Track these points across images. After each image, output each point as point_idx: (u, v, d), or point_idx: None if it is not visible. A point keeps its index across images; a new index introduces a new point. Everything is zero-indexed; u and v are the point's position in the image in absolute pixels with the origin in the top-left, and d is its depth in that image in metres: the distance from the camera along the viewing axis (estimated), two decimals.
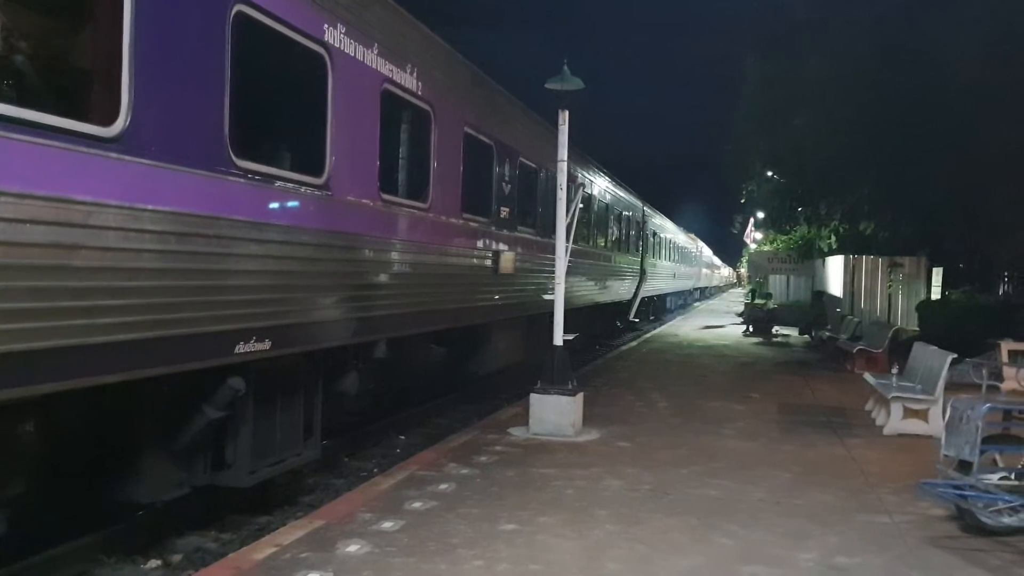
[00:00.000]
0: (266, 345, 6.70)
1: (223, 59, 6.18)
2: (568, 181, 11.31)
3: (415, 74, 9.42)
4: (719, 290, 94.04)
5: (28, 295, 4.59)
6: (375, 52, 8.44)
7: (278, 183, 6.97)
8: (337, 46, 7.70)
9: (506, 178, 13.06)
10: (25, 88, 5.07)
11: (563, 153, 11.09)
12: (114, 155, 5.11)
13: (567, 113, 11.07)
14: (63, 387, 4.93)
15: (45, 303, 4.70)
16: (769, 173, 27.64)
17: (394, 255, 9.12)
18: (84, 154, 4.90)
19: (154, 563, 6.68)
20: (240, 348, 6.40)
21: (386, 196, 8.88)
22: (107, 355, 5.15)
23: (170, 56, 5.65)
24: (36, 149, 4.57)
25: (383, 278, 8.91)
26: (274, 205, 6.93)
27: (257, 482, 7.27)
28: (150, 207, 5.41)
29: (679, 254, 44.50)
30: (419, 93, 9.58)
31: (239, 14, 6.32)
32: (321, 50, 7.49)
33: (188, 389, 6.43)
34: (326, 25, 7.51)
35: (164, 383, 6.05)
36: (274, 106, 7.51)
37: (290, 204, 7.16)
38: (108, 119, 5.11)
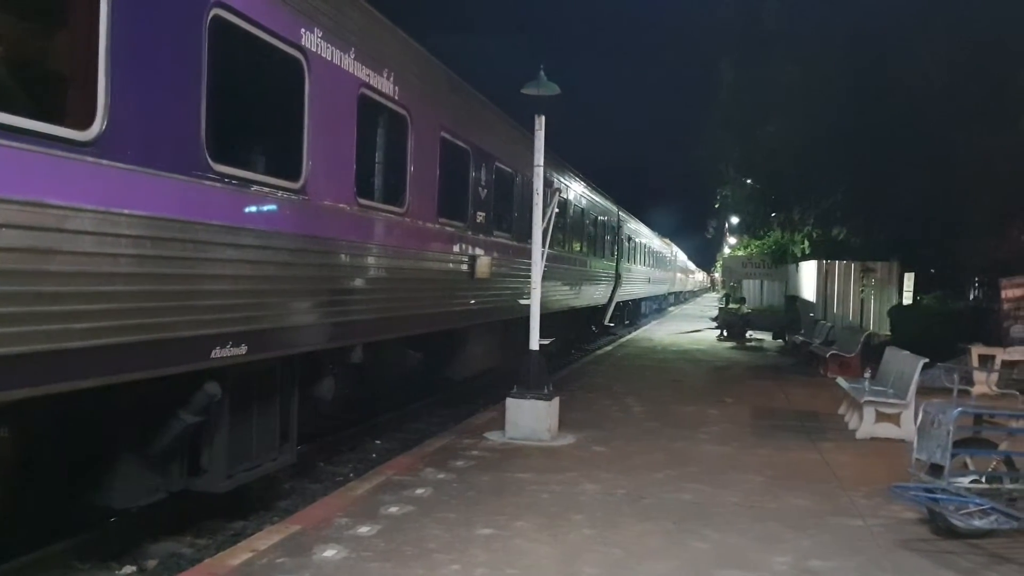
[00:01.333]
0: (242, 350, 6.67)
1: (200, 63, 6.14)
2: (544, 186, 11.34)
3: (392, 78, 9.41)
4: (693, 295, 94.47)
5: (2, 300, 4.54)
6: (352, 56, 8.43)
7: (255, 187, 6.94)
8: (314, 50, 7.68)
9: (482, 183, 13.08)
10: (4, 92, 5.01)
11: (539, 158, 11.12)
12: (90, 159, 5.08)
13: (543, 118, 11.10)
14: (38, 392, 4.88)
15: (19, 308, 4.64)
16: (744, 179, 27.80)
17: (371, 259, 9.11)
18: (60, 158, 4.86)
19: (128, 569, 6.65)
20: (216, 353, 6.37)
21: (363, 200, 8.86)
22: (83, 360, 5.11)
23: (147, 60, 5.61)
24: (10, 153, 4.53)
25: (360, 282, 8.90)
26: (251, 209, 6.90)
27: (233, 487, 7.24)
28: (126, 211, 5.38)
29: (654, 259, 44.64)
30: (396, 97, 9.58)
31: (216, 18, 6.28)
32: (298, 54, 7.47)
33: (164, 394, 6.39)
34: (303, 29, 7.48)
35: (140, 388, 5.99)
36: (251, 110, 7.47)
37: (267, 208, 7.13)
38: (84, 123, 5.07)
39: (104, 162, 5.18)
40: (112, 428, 6.45)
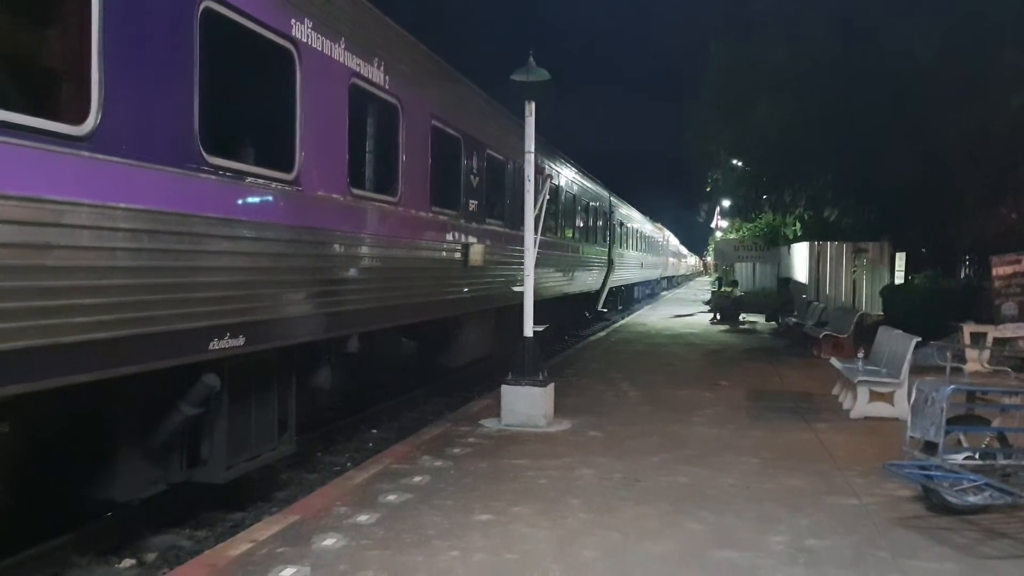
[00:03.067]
0: (240, 341, 6.71)
1: (192, 56, 6.17)
2: (535, 173, 11.35)
3: (382, 68, 9.43)
4: (686, 279, 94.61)
5: (0, 296, 4.57)
6: (342, 47, 8.44)
7: (249, 179, 6.96)
8: (305, 41, 7.70)
9: (474, 171, 13.09)
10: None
11: (530, 145, 11.11)
12: (85, 153, 5.11)
13: (533, 104, 11.08)
14: (37, 388, 4.90)
15: (17, 303, 4.67)
16: (734, 161, 27.82)
17: (365, 249, 9.15)
18: (55, 153, 4.90)
19: (128, 562, 6.66)
20: (214, 344, 6.42)
21: (356, 191, 8.91)
22: (81, 354, 5.14)
23: (139, 53, 5.64)
24: (6, 148, 4.55)
25: (354, 272, 8.94)
26: (245, 201, 6.92)
27: (233, 478, 7.30)
28: (122, 205, 5.42)
29: (646, 244, 44.69)
30: (386, 87, 9.60)
31: (207, 10, 6.31)
32: (289, 45, 7.49)
33: (163, 386, 6.44)
34: (293, 20, 7.51)
35: (139, 380, 6.03)
36: (243, 102, 7.49)
37: (261, 200, 7.15)
38: (79, 118, 5.10)
39: (99, 156, 5.21)
40: (113, 421, 6.49)
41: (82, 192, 5.09)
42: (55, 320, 4.92)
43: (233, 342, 6.63)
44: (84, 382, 5.30)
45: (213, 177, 6.42)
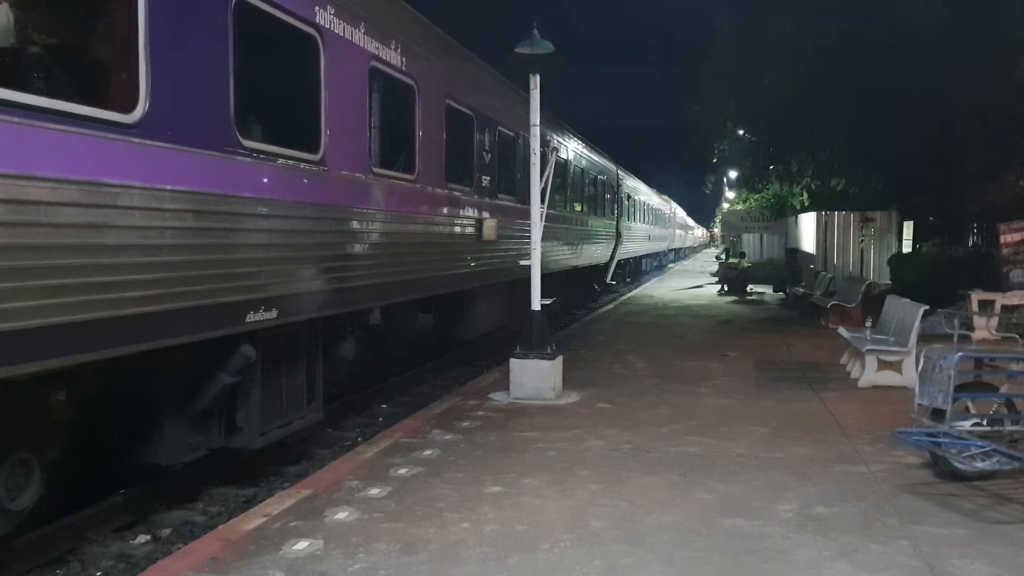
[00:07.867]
0: (273, 314, 7.07)
1: (227, 45, 6.51)
2: (542, 146, 11.37)
3: (399, 50, 9.69)
4: (693, 251, 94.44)
5: (64, 272, 4.90)
6: (362, 31, 8.72)
7: (279, 161, 7.29)
8: (328, 27, 7.99)
9: (486, 147, 13.21)
10: (59, 81, 5.41)
11: (535, 118, 11.08)
12: (135, 140, 5.46)
13: (538, 77, 11.04)
14: (98, 357, 5.23)
15: (79, 279, 5.00)
16: (741, 132, 27.68)
17: (385, 226, 9.40)
18: (110, 140, 5.25)
19: (143, 538, 6.73)
20: (250, 317, 6.78)
21: (376, 169, 9.22)
22: (134, 326, 5.49)
23: (181, 44, 5.99)
24: (69, 137, 4.90)
25: (376, 248, 9.20)
26: (277, 182, 7.23)
27: (266, 444, 7.61)
28: (169, 187, 5.80)
29: (653, 216, 44.61)
30: (403, 68, 9.86)
31: (240, 2, 6.62)
32: (313, 32, 7.79)
33: (203, 357, 6.73)
34: (317, 7, 7.80)
35: (181, 351, 6.28)
36: (273, 88, 7.79)
37: (290, 180, 7.46)
38: (129, 106, 5.47)
39: (148, 142, 5.57)
40: (158, 390, 6.85)
41: (133, 175, 5.44)
42: (112, 295, 5.26)
43: (267, 315, 6.98)
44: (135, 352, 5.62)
45: (248, 159, 6.76)
